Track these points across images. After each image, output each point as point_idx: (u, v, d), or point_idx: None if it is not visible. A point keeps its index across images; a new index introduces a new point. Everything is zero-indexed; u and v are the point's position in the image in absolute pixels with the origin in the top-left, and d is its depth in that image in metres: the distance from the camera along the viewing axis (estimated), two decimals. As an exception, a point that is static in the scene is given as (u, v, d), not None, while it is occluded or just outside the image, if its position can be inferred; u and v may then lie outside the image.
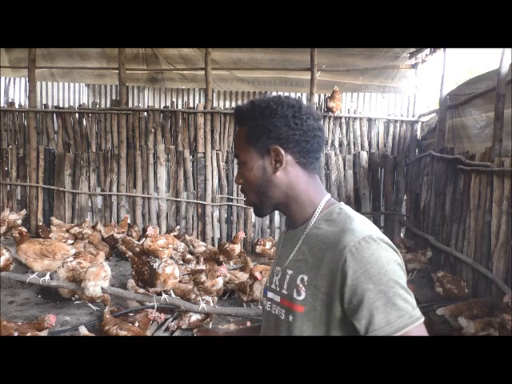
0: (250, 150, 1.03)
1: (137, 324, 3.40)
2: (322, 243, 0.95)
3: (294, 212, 1.06)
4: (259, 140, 1.02)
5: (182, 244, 5.61)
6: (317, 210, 1.03)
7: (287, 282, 1.01)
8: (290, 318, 0.98)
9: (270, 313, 1.07)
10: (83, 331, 3.12)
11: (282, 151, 1.01)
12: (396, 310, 0.84)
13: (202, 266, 4.70)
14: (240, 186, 1.09)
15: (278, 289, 1.05)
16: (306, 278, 0.96)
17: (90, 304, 3.93)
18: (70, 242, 5.49)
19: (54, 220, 6.24)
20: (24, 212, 6.34)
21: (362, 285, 0.86)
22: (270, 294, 1.09)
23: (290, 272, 1.01)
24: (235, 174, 6.52)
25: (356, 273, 0.86)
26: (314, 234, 1.00)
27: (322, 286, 0.92)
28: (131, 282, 4.18)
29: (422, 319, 0.87)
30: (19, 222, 6.06)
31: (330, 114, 6.44)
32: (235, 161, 6.50)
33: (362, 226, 0.93)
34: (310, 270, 0.96)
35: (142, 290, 3.98)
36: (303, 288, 0.96)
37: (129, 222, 6.46)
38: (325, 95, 6.57)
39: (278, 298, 1.04)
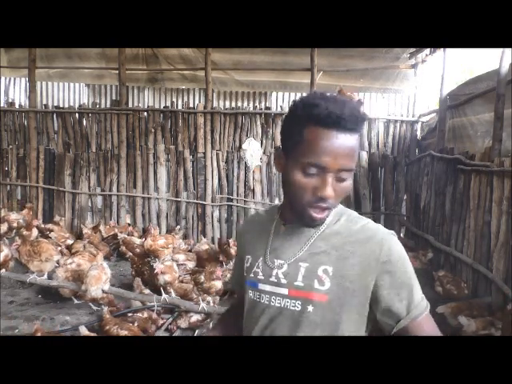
0: None
1: (136, 324, 3.40)
2: (350, 238, 1.03)
3: None
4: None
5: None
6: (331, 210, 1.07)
7: (303, 275, 1.03)
8: (310, 308, 1.00)
9: (269, 305, 1.06)
10: (83, 331, 3.11)
11: None
12: (420, 289, 1.02)
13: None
14: (331, 200, 0.99)
15: (283, 281, 1.04)
16: (330, 269, 1.01)
17: (90, 304, 3.94)
18: (70, 241, 5.51)
19: (58, 219, 6.25)
20: (24, 212, 6.33)
21: (401, 271, 1.01)
22: (265, 287, 1.07)
23: (304, 265, 1.03)
24: (235, 173, 6.55)
25: (394, 260, 1.01)
26: (332, 232, 1.05)
27: (350, 275, 1.00)
28: (137, 281, 4.17)
29: None
30: (20, 221, 6.06)
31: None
32: (235, 161, 6.52)
33: (378, 224, 1.08)
34: (335, 261, 1.01)
35: (147, 291, 3.98)
36: (327, 278, 1.00)
37: (129, 222, 6.47)
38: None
39: (284, 291, 1.04)
